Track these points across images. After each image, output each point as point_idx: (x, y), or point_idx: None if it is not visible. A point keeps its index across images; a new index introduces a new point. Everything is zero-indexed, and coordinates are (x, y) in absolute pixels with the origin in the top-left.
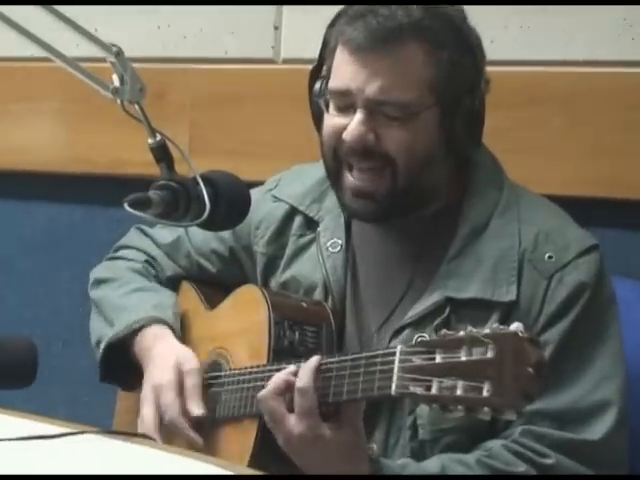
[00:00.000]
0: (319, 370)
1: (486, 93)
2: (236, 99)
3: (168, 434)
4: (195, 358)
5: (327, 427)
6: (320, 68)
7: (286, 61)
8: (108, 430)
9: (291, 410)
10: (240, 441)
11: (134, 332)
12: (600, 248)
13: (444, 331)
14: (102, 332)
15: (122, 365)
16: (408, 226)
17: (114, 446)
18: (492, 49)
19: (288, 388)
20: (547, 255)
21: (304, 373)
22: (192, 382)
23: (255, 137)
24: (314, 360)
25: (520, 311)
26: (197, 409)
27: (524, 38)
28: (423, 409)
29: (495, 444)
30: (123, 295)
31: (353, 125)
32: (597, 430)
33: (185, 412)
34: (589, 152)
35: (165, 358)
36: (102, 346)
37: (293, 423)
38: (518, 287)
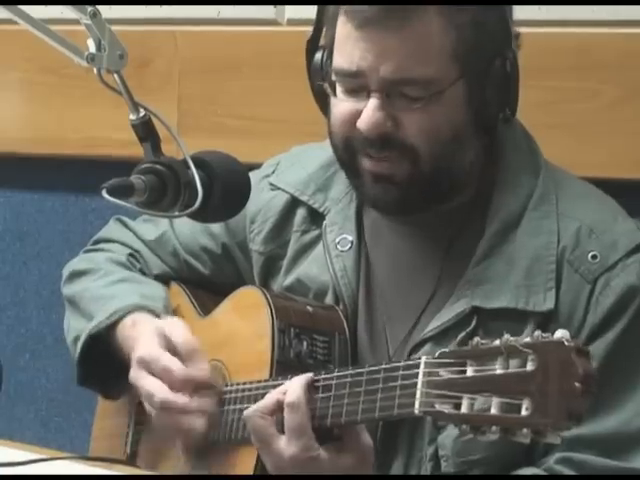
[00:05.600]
0: (312, 386)
1: (518, 50)
2: (232, 67)
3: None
4: (182, 322)
5: (323, 449)
6: (318, 36)
7: (291, 22)
8: (84, 456)
9: (282, 432)
10: (238, 468)
11: (116, 322)
12: None
13: (477, 339)
14: (80, 327)
15: (104, 366)
16: (430, 222)
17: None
18: (532, 7)
19: (280, 408)
20: (591, 254)
21: (294, 387)
22: (187, 344)
23: (255, 112)
24: (306, 375)
25: (559, 322)
26: (203, 370)
27: None
28: (446, 438)
29: (525, 472)
30: (105, 286)
31: (368, 112)
32: None
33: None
34: None
35: (147, 333)
36: (80, 341)
37: (283, 444)
38: (557, 293)
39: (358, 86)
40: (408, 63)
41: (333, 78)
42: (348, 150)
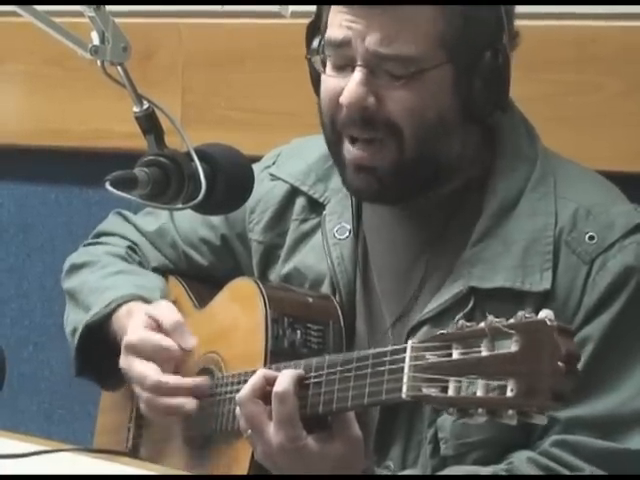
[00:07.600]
0: (303, 377)
1: (513, 48)
2: (236, 60)
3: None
4: (170, 303)
5: (312, 438)
6: (317, 23)
7: (295, 14)
8: (87, 448)
9: (271, 419)
10: (234, 459)
11: (112, 313)
12: None
13: (462, 322)
14: (78, 319)
15: (101, 356)
16: (426, 206)
17: (94, 467)
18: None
19: (269, 394)
20: (588, 235)
21: (284, 377)
22: (171, 318)
23: (259, 104)
24: (297, 371)
25: (556, 302)
26: (188, 339)
27: None
28: (445, 420)
29: (520, 457)
30: (102, 277)
31: (351, 86)
32: None
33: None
34: None
35: (136, 318)
36: (78, 333)
37: (272, 432)
38: (554, 274)
39: (345, 59)
40: (393, 37)
41: (325, 53)
42: (334, 132)
